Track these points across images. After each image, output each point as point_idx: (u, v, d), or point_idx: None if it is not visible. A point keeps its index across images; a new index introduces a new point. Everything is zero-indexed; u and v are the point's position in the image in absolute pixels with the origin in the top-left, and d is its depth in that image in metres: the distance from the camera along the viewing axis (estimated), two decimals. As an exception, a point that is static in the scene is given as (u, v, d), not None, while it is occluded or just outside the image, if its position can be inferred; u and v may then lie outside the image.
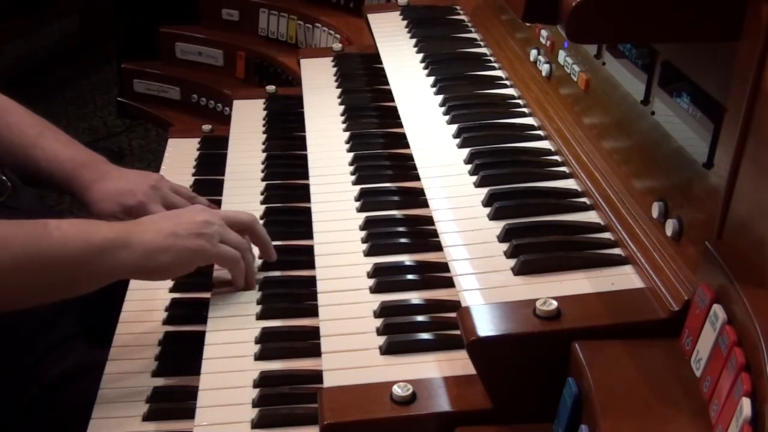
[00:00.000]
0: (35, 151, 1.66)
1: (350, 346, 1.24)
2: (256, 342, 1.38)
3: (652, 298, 1.12)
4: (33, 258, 1.26)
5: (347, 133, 1.77)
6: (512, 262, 1.21)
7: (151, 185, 1.62)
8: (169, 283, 1.59)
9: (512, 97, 1.68)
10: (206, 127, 2.12)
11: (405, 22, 2.05)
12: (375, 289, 1.35)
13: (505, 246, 1.25)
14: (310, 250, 1.48)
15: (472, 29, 1.98)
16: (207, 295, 1.51)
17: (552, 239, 1.25)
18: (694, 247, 1.09)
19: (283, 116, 2.03)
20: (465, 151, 1.50)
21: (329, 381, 1.17)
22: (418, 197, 1.52)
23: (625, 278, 1.17)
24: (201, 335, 1.41)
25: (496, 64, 1.81)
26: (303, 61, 2.14)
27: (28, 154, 1.66)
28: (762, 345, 0.85)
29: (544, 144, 1.51)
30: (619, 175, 1.31)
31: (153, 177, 1.67)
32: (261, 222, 1.65)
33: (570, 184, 1.40)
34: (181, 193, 1.66)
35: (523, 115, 1.61)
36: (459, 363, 1.18)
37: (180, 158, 2.00)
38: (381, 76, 1.91)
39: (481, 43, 1.91)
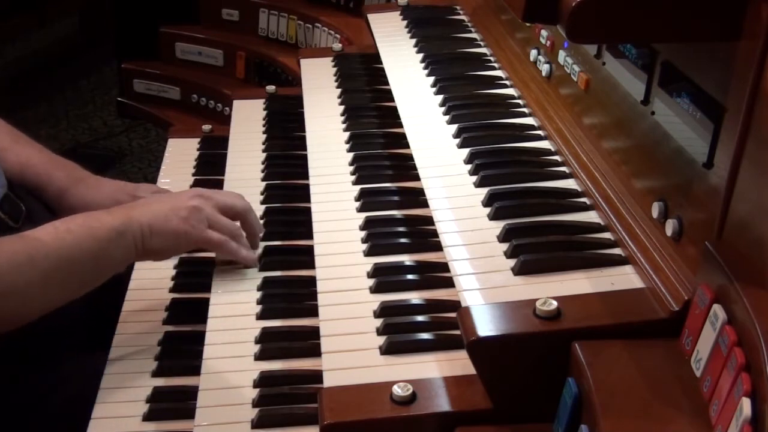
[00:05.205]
0: (7, 154, 1.65)
1: (350, 346, 1.24)
2: (256, 342, 1.39)
3: (652, 298, 1.12)
4: (57, 267, 1.33)
5: (347, 133, 1.77)
6: (512, 262, 1.21)
7: (132, 196, 1.64)
8: (169, 283, 1.59)
9: (512, 97, 1.68)
10: (206, 127, 2.12)
11: (405, 22, 2.05)
12: (375, 289, 1.35)
13: (505, 246, 1.25)
14: (310, 250, 1.48)
15: (472, 29, 1.98)
16: (207, 295, 1.51)
17: (552, 239, 1.25)
18: (694, 247, 1.09)
19: (283, 116, 2.03)
20: (465, 151, 1.50)
21: (329, 381, 1.17)
22: (418, 197, 1.52)
23: (625, 278, 1.17)
24: (201, 335, 1.42)
25: (496, 64, 1.80)
26: (303, 61, 2.13)
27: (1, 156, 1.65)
28: (762, 345, 0.85)
29: (544, 144, 1.51)
30: (619, 175, 1.31)
31: (130, 186, 1.70)
32: (261, 222, 1.66)
33: (570, 184, 1.40)
34: None
35: (523, 115, 1.61)
36: (459, 363, 1.18)
37: (180, 158, 2.00)
38: (381, 76, 1.91)
39: (481, 43, 1.91)
